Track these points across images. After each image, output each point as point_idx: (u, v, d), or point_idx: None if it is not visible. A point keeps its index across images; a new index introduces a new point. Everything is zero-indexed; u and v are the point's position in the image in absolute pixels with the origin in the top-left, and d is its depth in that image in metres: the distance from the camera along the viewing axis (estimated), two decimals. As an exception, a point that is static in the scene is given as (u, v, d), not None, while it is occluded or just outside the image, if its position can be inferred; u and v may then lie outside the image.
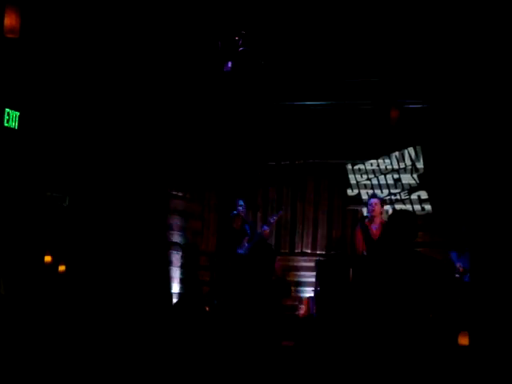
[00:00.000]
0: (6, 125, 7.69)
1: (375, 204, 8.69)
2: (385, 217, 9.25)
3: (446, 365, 6.10)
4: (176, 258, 10.11)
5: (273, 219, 9.87)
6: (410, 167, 10.80)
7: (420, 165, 10.77)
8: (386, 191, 10.81)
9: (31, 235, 7.97)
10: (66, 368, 5.62)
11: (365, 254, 8.60)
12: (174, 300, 9.64)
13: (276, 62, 10.11)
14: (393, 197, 10.77)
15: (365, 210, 9.43)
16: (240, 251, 9.43)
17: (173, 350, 6.27)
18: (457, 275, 8.83)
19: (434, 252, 9.27)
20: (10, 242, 7.59)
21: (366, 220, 8.84)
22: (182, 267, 10.19)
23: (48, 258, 8.20)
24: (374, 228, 8.67)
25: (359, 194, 10.95)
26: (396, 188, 10.83)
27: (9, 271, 7.41)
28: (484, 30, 8.94)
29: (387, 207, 10.55)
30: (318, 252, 10.84)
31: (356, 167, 11.01)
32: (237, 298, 6.32)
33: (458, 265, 8.93)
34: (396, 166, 10.86)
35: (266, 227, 9.71)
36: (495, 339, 6.92)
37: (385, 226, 8.46)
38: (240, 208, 9.71)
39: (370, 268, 6.75)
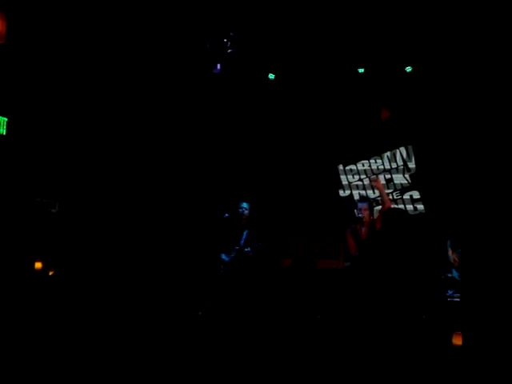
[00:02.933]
0: (-7, 131, 7.65)
1: (364, 210, 8.62)
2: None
3: (440, 365, 6.07)
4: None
5: (254, 247, 9.24)
6: (402, 167, 10.78)
7: (412, 164, 10.75)
8: (378, 191, 10.78)
9: (21, 241, 7.92)
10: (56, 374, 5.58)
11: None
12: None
13: (265, 62, 10.11)
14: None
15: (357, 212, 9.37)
16: (224, 258, 9.12)
17: (167, 354, 6.24)
18: (448, 274, 8.81)
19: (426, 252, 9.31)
20: (-1, 248, 7.54)
21: (358, 223, 8.79)
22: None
23: (38, 264, 8.14)
24: (365, 231, 8.61)
25: (351, 194, 10.93)
26: (388, 188, 10.80)
27: (-2, 278, 7.36)
28: (478, 29, 8.93)
29: (379, 207, 10.52)
30: (311, 253, 10.83)
31: (347, 168, 10.98)
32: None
33: (453, 255, 8.94)
34: (388, 166, 10.84)
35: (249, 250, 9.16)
36: (490, 339, 6.89)
37: (372, 224, 8.40)
38: (243, 210, 9.36)
39: (361, 268, 6.72)
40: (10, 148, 7.87)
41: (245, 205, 9.31)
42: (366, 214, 8.59)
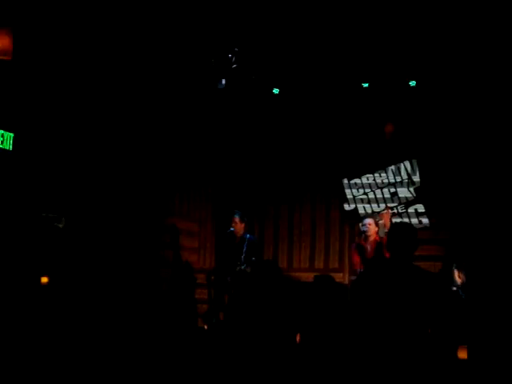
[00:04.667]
0: (0, 146, 7.68)
1: (369, 224, 8.64)
2: (381, 232, 9.19)
3: (446, 379, 6.06)
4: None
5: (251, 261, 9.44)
6: (407, 181, 10.79)
7: (416, 178, 10.76)
8: (382, 205, 10.79)
9: (27, 256, 7.93)
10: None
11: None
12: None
13: (269, 76, 10.16)
14: (390, 211, 10.74)
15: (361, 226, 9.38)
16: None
17: (170, 370, 6.24)
18: (454, 288, 8.79)
19: (432, 266, 9.31)
20: (5, 263, 7.55)
21: (362, 237, 8.80)
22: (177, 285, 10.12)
23: (44, 280, 8.15)
24: (370, 248, 8.60)
25: (356, 208, 10.95)
26: (393, 202, 10.81)
27: (4, 293, 7.37)
28: (477, 41, 8.97)
29: (382, 221, 10.53)
30: (315, 267, 10.84)
31: (352, 182, 11.00)
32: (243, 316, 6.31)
33: (458, 275, 8.91)
34: (392, 180, 10.85)
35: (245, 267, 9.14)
36: (494, 353, 6.89)
37: (379, 244, 8.41)
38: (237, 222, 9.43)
39: (367, 283, 6.71)
40: (16, 163, 7.90)
41: (238, 216, 9.42)
42: (371, 227, 8.61)
